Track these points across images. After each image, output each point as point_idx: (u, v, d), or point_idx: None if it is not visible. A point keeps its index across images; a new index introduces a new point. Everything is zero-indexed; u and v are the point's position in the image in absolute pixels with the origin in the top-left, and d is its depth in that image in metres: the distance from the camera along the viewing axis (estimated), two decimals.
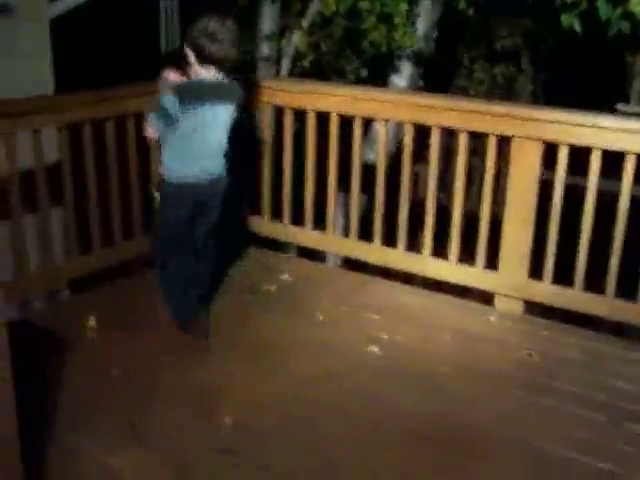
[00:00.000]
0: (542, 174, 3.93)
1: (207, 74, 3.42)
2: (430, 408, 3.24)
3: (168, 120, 3.43)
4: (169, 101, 3.38)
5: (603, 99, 10.52)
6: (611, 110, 10.90)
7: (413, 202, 4.45)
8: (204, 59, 3.38)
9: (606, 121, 3.79)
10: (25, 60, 5.15)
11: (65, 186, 4.07)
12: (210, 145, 3.52)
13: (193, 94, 3.42)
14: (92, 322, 3.85)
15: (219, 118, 3.49)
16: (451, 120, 4.12)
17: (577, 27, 4.90)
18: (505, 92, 10.20)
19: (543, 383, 3.47)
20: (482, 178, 4.17)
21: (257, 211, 4.96)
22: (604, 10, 4.67)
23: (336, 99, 4.44)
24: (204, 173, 3.51)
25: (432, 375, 3.50)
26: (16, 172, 3.80)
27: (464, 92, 9.71)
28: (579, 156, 3.87)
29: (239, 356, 3.62)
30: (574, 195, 3.98)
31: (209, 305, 3.95)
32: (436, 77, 8.23)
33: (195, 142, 3.48)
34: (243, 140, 3.87)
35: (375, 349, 3.69)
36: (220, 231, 3.74)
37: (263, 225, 4.95)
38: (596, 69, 10.25)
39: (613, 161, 3.78)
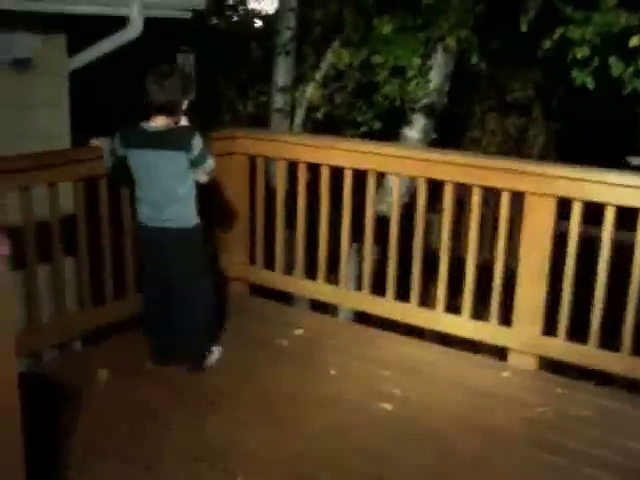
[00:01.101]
0: (556, 231, 3.93)
1: (153, 122, 3.62)
2: (440, 468, 3.20)
3: (115, 157, 3.76)
4: (115, 141, 3.74)
5: (615, 151, 10.56)
6: (623, 162, 10.93)
7: (426, 252, 4.45)
8: (147, 107, 3.59)
9: (620, 178, 3.79)
10: (44, 113, 5.24)
11: (79, 238, 4.10)
12: (158, 191, 3.66)
13: (135, 138, 3.65)
14: (103, 375, 3.84)
15: (165, 164, 3.61)
16: (463, 176, 4.14)
17: (590, 84, 4.93)
18: (517, 143, 10.26)
19: (555, 441, 3.42)
20: (494, 229, 4.16)
21: (269, 264, 4.97)
22: (616, 68, 4.70)
23: (350, 155, 4.47)
24: (156, 219, 3.69)
25: (443, 434, 3.45)
26: (32, 225, 3.83)
27: (476, 143, 9.77)
28: (594, 206, 3.86)
29: (251, 411, 3.59)
30: (589, 246, 3.96)
31: (195, 353, 3.96)
32: (449, 129, 8.29)
33: (143, 187, 3.70)
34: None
35: (387, 406, 3.66)
36: (199, 281, 3.81)
37: (275, 278, 4.96)
38: (608, 120, 10.29)
39: (627, 211, 3.77)
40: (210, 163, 3.68)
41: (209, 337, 3.99)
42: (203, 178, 3.73)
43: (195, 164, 3.63)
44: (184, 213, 3.69)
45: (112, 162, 3.82)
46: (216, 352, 4.01)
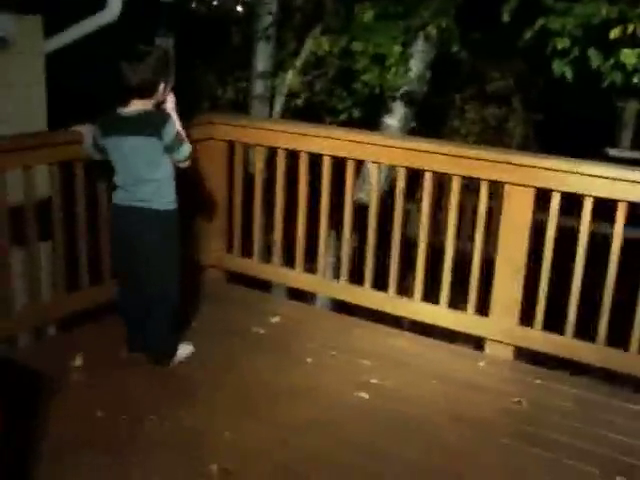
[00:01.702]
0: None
1: (130, 107, 3.60)
2: (416, 457, 3.20)
3: (100, 150, 3.72)
4: (95, 131, 3.71)
5: (594, 141, 10.63)
6: (602, 154, 11.01)
7: (404, 241, 4.44)
8: (122, 89, 3.58)
9: (598, 169, 3.80)
10: (20, 94, 5.16)
11: (55, 223, 4.04)
12: (134, 176, 3.64)
13: (110, 125, 3.64)
14: (78, 361, 3.81)
15: (140, 150, 3.58)
16: (443, 165, 4.13)
17: (569, 75, 4.94)
18: (497, 132, 10.28)
19: (532, 432, 3.43)
20: (473, 217, 4.16)
21: (246, 252, 4.95)
22: (596, 60, 4.71)
23: (329, 142, 4.44)
24: (130, 199, 3.67)
25: (420, 423, 3.46)
26: (5, 209, 3.77)
27: (456, 132, 9.77)
28: (571, 197, 3.87)
29: (226, 400, 3.57)
30: (566, 236, 3.98)
31: (174, 337, 3.91)
32: (429, 117, 8.28)
33: (119, 172, 3.69)
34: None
35: (364, 395, 3.65)
36: (165, 271, 3.75)
37: (253, 266, 4.93)
38: (588, 111, 10.34)
39: (606, 203, 3.78)
40: (185, 149, 3.62)
41: (170, 334, 3.86)
42: (181, 164, 3.68)
43: (169, 150, 3.59)
44: (159, 195, 3.64)
45: (96, 154, 3.77)
46: (183, 350, 3.93)
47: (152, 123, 3.57)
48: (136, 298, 3.82)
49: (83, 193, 4.12)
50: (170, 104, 3.70)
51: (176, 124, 3.62)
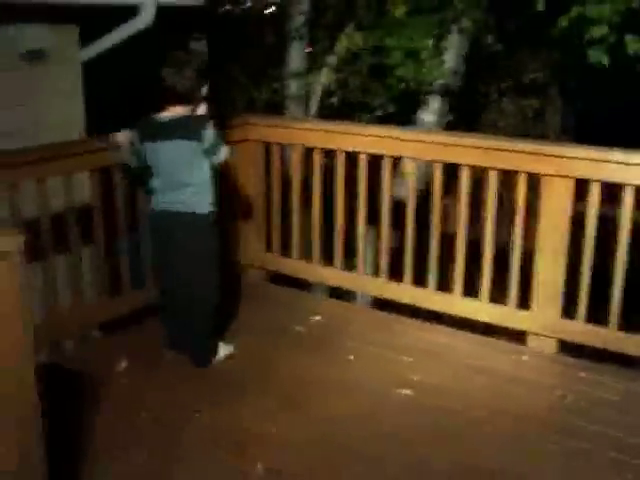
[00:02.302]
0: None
1: (168, 112, 3.65)
2: (462, 453, 3.19)
3: (137, 155, 3.77)
4: (134, 137, 3.75)
5: (633, 131, 10.44)
6: None
7: (443, 236, 4.42)
8: (166, 96, 3.62)
9: (635, 157, 3.74)
10: (58, 103, 5.25)
11: (96, 229, 4.11)
12: (172, 180, 3.68)
13: (149, 131, 3.68)
14: (123, 363, 3.86)
15: (180, 154, 3.62)
16: (479, 159, 4.11)
17: (605, 61, 4.87)
18: (534, 124, 10.16)
19: (577, 426, 3.39)
20: (512, 211, 4.13)
21: (286, 251, 4.97)
22: (632, 45, 4.65)
23: (365, 139, 4.44)
24: (168, 204, 3.71)
25: (466, 420, 3.44)
26: (48, 216, 3.84)
27: (493, 125, 9.68)
28: (612, 186, 3.82)
29: (270, 398, 3.60)
30: (608, 226, 3.93)
31: (215, 338, 3.95)
32: (465, 111, 8.23)
33: (158, 176, 3.73)
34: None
35: (406, 391, 3.65)
36: (205, 274, 3.77)
37: (292, 265, 4.95)
38: (626, 100, 10.17)
39: None
40: (224, 152, 3.68)
41: (210, 335, 3.90)
42: (225, 160, 3.76)
43: (208, 153, 3.63)
44: (198, 199, 3.68)
45: (136, 162, 3.81)
46: (223, 349, 3.96)
47: (192, 127, 3.62)
48: (178, 300, 3.86)
49: (123, 198, 4.18)
50: (201, 111, 3.73)
51: (214, 130, 3.64)
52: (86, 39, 5.53)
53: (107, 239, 4.17)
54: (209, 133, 3.60)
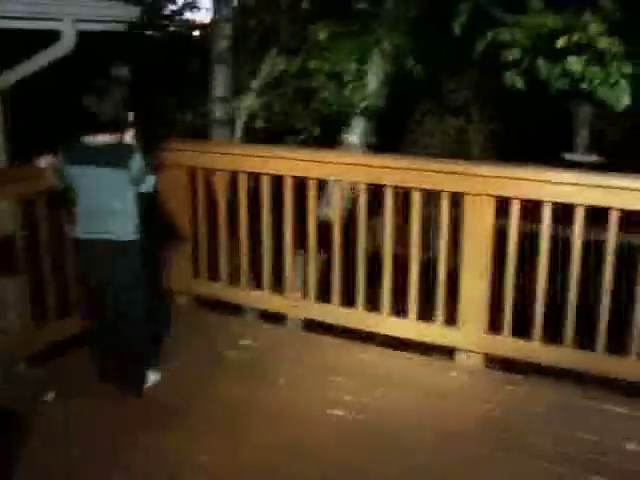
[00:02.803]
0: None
1: (97, 138, 3.60)
2: (397, 472, 3.22)
3: (60, 178, 3.74)
4: (59, 160, 3.72)
5: (550, 147, 10.78)
6: (558, 158, 11.17)
7: (372, 256, 4.47)
8: (91, 124, 3.58)
9: (553, 175, 3.88)
10: None
11: (19, 258, 4.02)
12: (97, 206, 3.65)
13: (75, 155, 3.65)
14: (50, 396, 3.78)
15: (105, 181, 3.60)
16: (403, 180, 4.18)
17: (520, 85, 5.05)
18: (457, 143, 10.40)
19: (507, 438, 3.47)
20: (438, 228, 4.21)
21: (214, 276, 4.95)
22: (544, 69, 4.82)
23: (290, 163, 4.48)
24: (94, 232, 3.68)
25: (399, 437, 3.48)
26: None
27: (417, 145, 9.87)
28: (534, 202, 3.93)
29: (203, 425, 3.57)
30: (531, 241, 4.04)
31: (143, 367, 3.91)
32: (389, 132, 8.36)
33: (82, 201, 3.69)
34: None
35: (339, 412, 3.67)
36: (132, 302, 3.75)
37: (220, 290, 4.94)
38: (544, 118, 10.50)
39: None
40: (150, 180, 3.68)
41: (140, 362, 3.88)
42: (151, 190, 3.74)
43: (135, 182, 3.62)
44: (122, 227, 3.66)
45: (61, 184, 3.78)
46: (152, 376, 3.92)
47: (120, 155, 3.59)
48: (105, 328, 3.81)
49: (46, 227, 4.11)
50: (129, 137, 3.71)
51: (143, 158, 3.63)
52: (6, 65, 5.45)
53: (31, 270, 4.09)
54: (136, 162, 3.58)
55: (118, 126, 3.62)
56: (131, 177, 3.59)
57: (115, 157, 3.59)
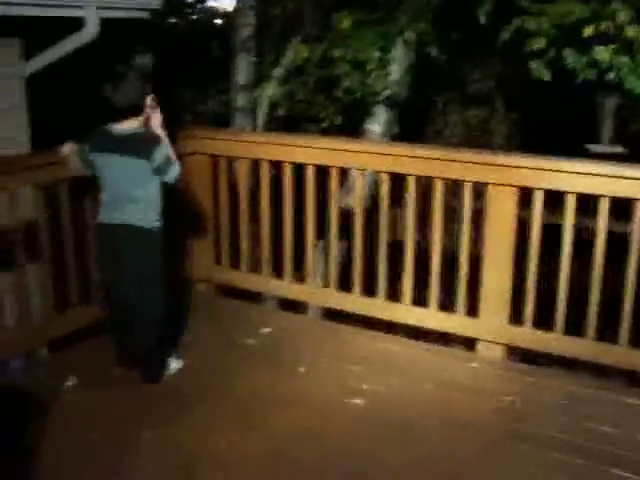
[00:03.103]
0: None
1: (121, 125, 3.61)
2: (413, 460, 3.21)
3: (88, 166, 3.72)
4: (84, 148, 3.71)
5: (574, 138, 10.68)
6: (582, 150, 11.07)
7: (393, 246, 4.46)
8: (112, 111, 3.59)
9: (578, 166, 3.83)
10: (3, 117, 5.17)
11: (42, 245, 4.05)
12: (120, 193, 3.66)
13: (100, 143, 3.65)
14: (71, 381, 3.81)
15: (128, 169, 3.60)
16: (426, 169, 4.16)
17: (546, 76, 4.99)
18: (479, 133, 10.33)
19: (525, 430, 3.45)
20: (460, 218, 4.19)
21: (235, 264, 4.96)
22: (571, 59, 4.77)
23: (312, 151, 4.47)
24: (115, 217, 3.68)
25: (415, 427, 3.47)
26: None
27: (439, 135, 9.82)
28: (557, 193, 3.90)
29: (220, 413, 3.58)
30: (554, 233, 4.00)
31: (163, 354, 3.91)
32: (411, 122, 8.32)
33: (106, 189, 3.70)
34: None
35: (357, 401, 3.67)
36: (149, 288, 3.74)
37: (242, 278, 4.94)
38: (568, 109, 10.41)
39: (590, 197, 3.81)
40: (174, 171, 3.63)
41: (158, 348, 3.87)
42: (176, 180, 3.70)
43: (158, 172, 3.60)
44: (144, 215, 3.66)
45: (87, 169, 3.77)
46: (174, 364, 3.94)
47: (143, 145, 3.58)
48: (122, 314, 3.83)
49: (68, 213, 4.13)
50: (156, 121, 3.68)
51: (166, 145, 3.62)
52: (31, 53, 5.47)
53: (53, 256, 4.12)
54: (160, 152, 3.57)
55: (133, 112, 3.60)
56: (154, 167, 3.58)
57: (139, 146, 3.59)
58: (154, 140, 3.61)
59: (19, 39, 5.30)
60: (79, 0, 5.31)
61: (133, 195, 3.64)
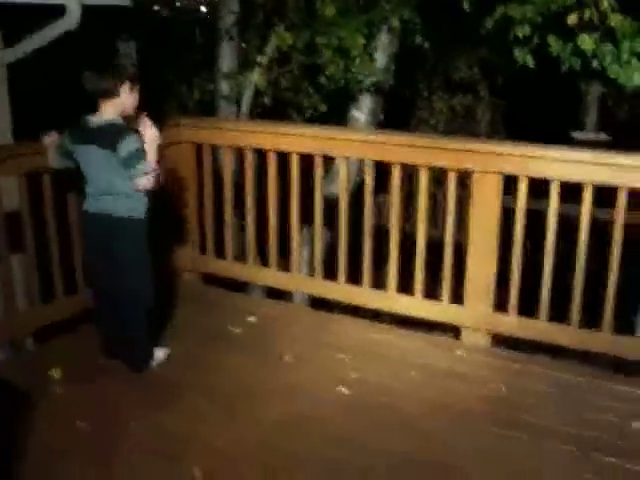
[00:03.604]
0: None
1: (99, 114, 3.59)
2: (402, 448, 3.22)
3: (68, 156, 3.71)
4: (65, 138, 3.71)
5: (560, 126, 10.71)
6: (567, 137, 11.10)
7: (378, 233, 4.46)
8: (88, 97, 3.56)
9: (562, 153, 3.85)
10: None
11: (26, 235, 4.02)
12: (100, 184, 3.64)
13: (77, 134, 3.64)
14: (57, 372, 3.79)
15: (96, 159, 3.58)
16: (411, 157, 4.16)
17: (530, 63, 5.00)
18: (465, 121, 10.32)
19: (512, 417, 3.47)
20: (446, 205, 4.19)
21: (220, 253, 4.95)
22: (555, 46, 4.77)
23: (296, 139, 4.46)
24: (98, 207, 3.67)
25: (402, 414, 3.48)
26: None
27: (425, 123, 9.81)
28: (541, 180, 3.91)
29: (207, 402, 3.58)
30: (538, 220, 4.02)
31: (148, 344, 3.90)
32: (397, 109, 8.30)
33: (87, 180, 3.68)
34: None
35: (344, 389, 3.68)
36: (133, 278, 3.71)
37: (227, 267, 4.93)
38: (553, 96, 10.42)
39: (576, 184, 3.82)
40: (140, 168, 3.49)
41: (145, 339, 3.86)
42: (138, 182, 3.53)
43: (124, 165, 3.51)
44: (126, 205, 3.63)
45: (62, 163, 3.76)
46: (159, 353, 3.93)
47: (111, 136, 3.51)
48: (108, 304, 3.81)
49: (52, 203, 4.10)
50: (149, 134, 3.60)
51: (136, 144, 3.51)
52: (11, 40, 5.41)
53: (37, 245, 4.09)
54: (125, 145, 3.47)
55: (108, 93, 3.53)
56: (118, 159, 3.50)
57: (107, 137, 3.52)
58: (123, 132, 3.52)
59: None
60: None
61: (111, 185, 3.60)
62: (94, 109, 3.61)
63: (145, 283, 3.75)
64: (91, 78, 3.54)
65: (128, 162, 3.50)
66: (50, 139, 3.79)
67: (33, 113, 5.45)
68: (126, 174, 3.55)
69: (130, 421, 3.40)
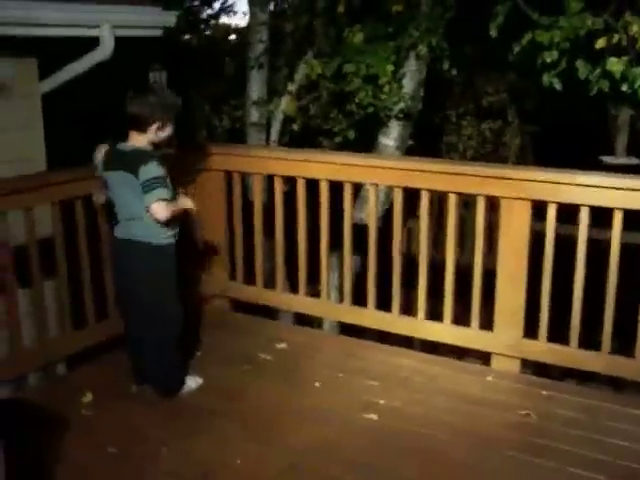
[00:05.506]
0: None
1: (129, 141, 3.66)
2: (430, 476, 3.21)
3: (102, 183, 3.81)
4: (95, 167, 3.81)
5: (589, 150, 10.66)
6: (597, 162, 11.04)
7: (407, 259, 4.46)
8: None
9: (592, 179, 3.83)
10: (18, 137, 5.22)
11: (58, 262, 4.08)
12: (126, 209, 3.70)
13: (106, 160, 3.73)
14: (88, 397, 3.83)
15: (122, 184, 3.63)
16: (439, 183, 4.17)
17: (557, 86, 5.00)
18: (494, 146, 10.33)
19: (541, 444, 3.44)
20: (474, 232, 4.19)
21: (250, 280, 4.97)
22: (583, 70, 4.78)
23: (325, 167, 4.49)
24: (125, 233, 3.73)
25: (431, 442, 3.46)
26: (10, 249, 3.82)
27: (453, 148, 9.83)
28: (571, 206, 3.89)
29: (236, 428, 3.59)
30: (568, 245, 4.00)
31: (177, 369, 3.92)
32: (425, 135, 8.33)
33: (116, 205, 3.76)
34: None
35: (372, 416, 3.67)
36: (158, 306, 3.75)
37: (257, 293, 4.96)
38: (582, 121, 10.39)
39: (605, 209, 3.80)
40: (155, 194, 3.50)
41: (174, 366, 3.89)
42: (154, 211, 3.53)
43: (143, 190, 3.53)
44: (148, 231, 3.65)
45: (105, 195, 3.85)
46: (192, 383, 3.95)
47: (134, 160, 3.56)
48: (136, 331, 3.85)
49: (84, 230, 4.17)
50: (184, 203, 3.76)
51: (158, 170, 3.54)
52: (46, 71, 5.52)
53: (70, 271, 4.15)
54: (146, 170, 3.51)
55: (140, 124, 3.59)
56: (139, 183, 3.53)
57: (132, 161, 3.57)
58: (145, 157, 3.56)
59: (34, 58, 5.35)
60: (94, 20, 5.36)
61: (134, 210, 3.64)
62: (125, 136, 3.67)
63: (167, 306, 3.78)
64: (128, 105, 3.59)
65: (145, 187, 3.53)
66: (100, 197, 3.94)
67: (66, 142, 5.54)
68: (144, 199, 3.59)
69: (160, 447, 3.42)
